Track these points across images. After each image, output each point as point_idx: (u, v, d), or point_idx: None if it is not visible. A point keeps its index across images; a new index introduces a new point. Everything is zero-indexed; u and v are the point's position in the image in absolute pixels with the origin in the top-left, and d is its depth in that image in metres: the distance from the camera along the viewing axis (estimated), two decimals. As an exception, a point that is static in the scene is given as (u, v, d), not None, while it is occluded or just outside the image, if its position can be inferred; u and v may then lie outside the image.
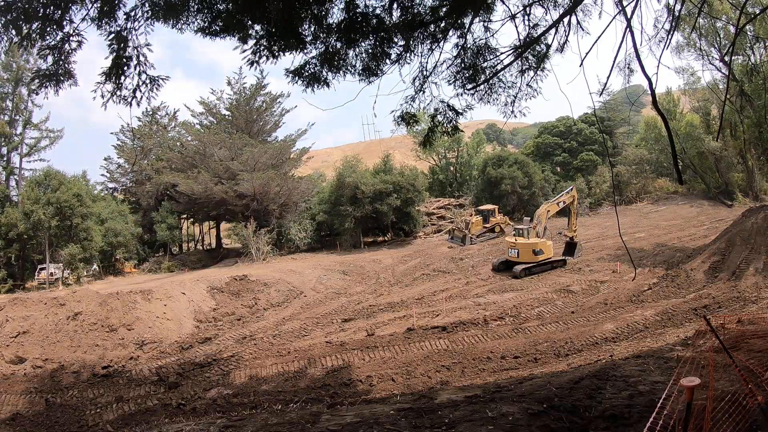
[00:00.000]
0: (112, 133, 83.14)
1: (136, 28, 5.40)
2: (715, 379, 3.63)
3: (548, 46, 6.83)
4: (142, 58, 5.59)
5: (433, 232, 39.62)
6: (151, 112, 45.28)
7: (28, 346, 15.69)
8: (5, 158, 36.98)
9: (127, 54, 5.49)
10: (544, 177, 45.29)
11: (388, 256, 31.80)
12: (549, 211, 25.80)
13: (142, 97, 5.72)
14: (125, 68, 5.55)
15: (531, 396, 5.77)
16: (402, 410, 5.67)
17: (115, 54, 5.44)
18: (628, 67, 6.49)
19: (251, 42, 5.74)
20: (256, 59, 5.80)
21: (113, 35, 5.36)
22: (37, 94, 5.50)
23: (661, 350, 8.79)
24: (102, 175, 46.88)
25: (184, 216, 44.13)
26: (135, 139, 44.01)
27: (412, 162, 51.34)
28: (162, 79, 5.74)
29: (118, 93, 5.64)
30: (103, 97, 5.59)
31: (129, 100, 5.70)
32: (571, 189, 27.58)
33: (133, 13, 5.31)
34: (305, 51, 6.00)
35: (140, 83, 5.66)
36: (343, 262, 29.94)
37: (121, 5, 5.32)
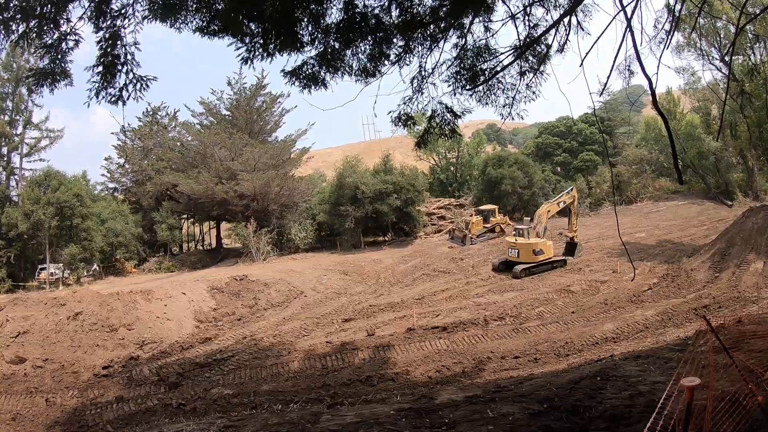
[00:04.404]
0: (112, 133, 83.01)
1: (125, 26, 5.42)
2: (715, 379, 3.63)
3: (548, 47, 6.83)
4: (129, 57, 5.61)
5: (434, 232, 39.59)
6: (151, 112, 45.31)
7: (28, 346, 15.69)
8: (5, 158, 37.01)
9: (115, 52, 5.51)
10: (545, 177, 45.28)
11: (388, 256, 31.79)
12: (549, 211, 25.80)
13: (129, 96, 5.73)
14: (115, 67, 5.57)
15: (531, 396, 5.77)
16: (402, 410, 5.67)
17: (102, 52, 5.46)
18: (629, 68, 6.49)
19: (246, 40, 5.75)
20: (250, 57, 5.80)
21: (107, 34, 5.37)
22: (33, 92, 5.55)
23: (661, 350, 8.79)
24: (102, 175, 46.97)
25: (185, 216, 44.12)
26: (129, 137, 43.94)
27: (413, 162, 51.30)
28: (149, 79, 5.76)
29: (107, 91, 5.66)
30: (97, 97, 5.61)
31: (115, 99, 5.71)
32: (572, 189, 27.58)
33: (124, 11, 5.33)
34: (302, 51, 5.99)
35: (127, 82, 5.68)
36: (343, 262, 29.94)
37: (114, 3, 5.33)
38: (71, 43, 5.37)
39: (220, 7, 5.53)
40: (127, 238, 36.64)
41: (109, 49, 5.45)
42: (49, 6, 5.03)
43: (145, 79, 5.73)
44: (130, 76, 5.65)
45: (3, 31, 4.96)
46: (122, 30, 5.43)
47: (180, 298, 20.97)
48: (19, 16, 4.91)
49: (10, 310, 17.19)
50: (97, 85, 5.58)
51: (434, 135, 7.30)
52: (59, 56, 5.38)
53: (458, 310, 18.82)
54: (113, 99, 5.70)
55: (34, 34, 5.13)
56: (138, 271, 36.86)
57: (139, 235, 38.31)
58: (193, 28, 5.59)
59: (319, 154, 70.69)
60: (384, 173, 39.39)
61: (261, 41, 5.67)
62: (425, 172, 48.83)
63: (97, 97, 5.63)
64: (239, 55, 5.76)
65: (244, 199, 36.71)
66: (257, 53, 5.76)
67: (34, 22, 5.06)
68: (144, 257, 38.95)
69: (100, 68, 5.53)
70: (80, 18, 5.23)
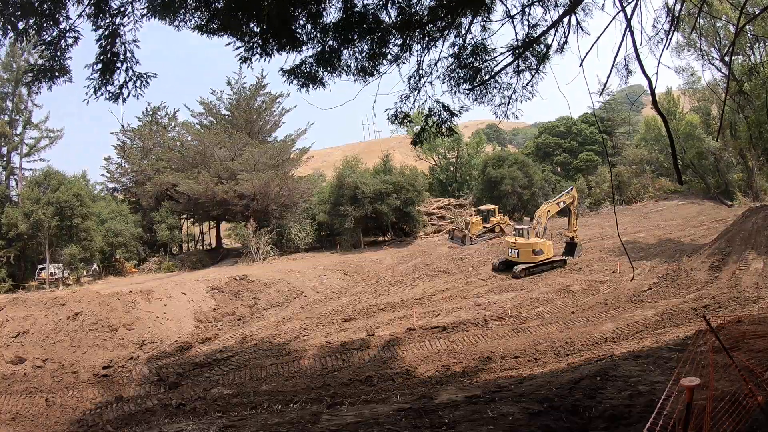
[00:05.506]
0: (112, 132, 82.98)
1: (125, 24, 5.43)
2: (715, 379, 3.63)
3: (548, 47, 6.83)
4: (129, 55, 5.62)
5: (434, 232, 39.59)
6: (151, 112, 45.29)
7: (28, 346, 15.69)
8: (5, 158, 36.98)
9: (115, 50, 5.51)
10: (544, 177, 45.26)
11: (388, 256, 31.79)
12: (549, 211, 25.80)
13: (129, 93, 5.75)
14: (114, 64, 5.58)
15: (531, 396, 5.77)
16: (402, 410, 5.67)
17: (102, 50, 5.47)
18: (628, 68, 6.49)
19: (245, 39, 5.77)
20: (249, 56, 5.81)
21: (106, 31, 5.37)
22: (30, 87, 5.60)
23: (661, 350, 8.79)
24: (102, 175, 46.94)
25: (184, 216, 44.10)
26: (129, 137, 43.87)
27: (413, 162, 51.27)
28: (149, 76, 5.77)
29: (106, 89, 5.67)
30: (95, 93, 5.61)
31: (114, 96, 5.72)
32: (571, 189, 27.58)
33: (123, 9, 5.33)
34: (300, 50, 6.00)
35: (127, 79, 5.69)
36: (343, 262, 29.93)
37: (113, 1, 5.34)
38: (70, 40, 5.37)
39: (219, 6, 5.53)
40: (127, 238, 36.62)
41: (108, 47, 5.47)
42: (48, 3, 5.02)
43: (145, 76, 5.74)
44: (130, 73, 5.67)
45: (2, 29, 4.96)
46: (122, 28, 5.44)
47: (180, 298, 20.97)
48: (18, 13, 4.91)
49: (10, 310, 17.18)
50: (96, 82, 5.59)
51: (430, 133, 7.31)
52: (58, 53, 5.38)
53: (458, 310, 18.81)
54: (113, 96, 5.71)
55: (34, 31, 5.13)
56: (138, 271, 36.84)
57: (138, 235, 38.28)
58: (192, 26, 5.59)
59: (319, 154, 70.68)
60: (384, 173, 39.37)
61: (260, 41, 5.67)
62: (425, 172, 48.82)
63: (96, 95, 5.64)
64: (238, 54, 5.78)
65: (243, 199, 36.70)
66: (255, 52, 5.77)
67: (33, 19, 5.06)
68: (144, 257, 38.92)
69: (100, 66, 5.53)
70: (79, 15, 5.23)
